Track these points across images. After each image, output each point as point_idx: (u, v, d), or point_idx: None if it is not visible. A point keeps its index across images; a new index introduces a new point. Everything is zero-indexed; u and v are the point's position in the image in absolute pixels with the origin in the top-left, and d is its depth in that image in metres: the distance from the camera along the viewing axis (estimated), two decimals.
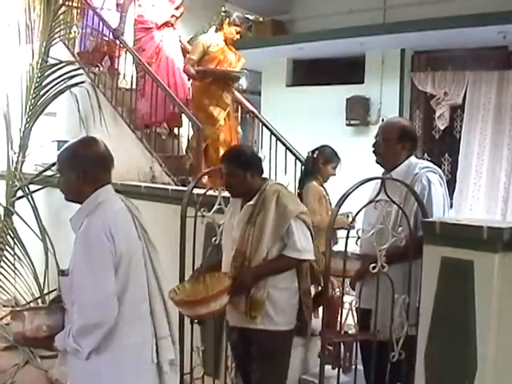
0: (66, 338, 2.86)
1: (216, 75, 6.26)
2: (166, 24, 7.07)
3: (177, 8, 7.23)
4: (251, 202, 3.83)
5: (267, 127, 6.74)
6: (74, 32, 7.41)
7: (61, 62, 6.42)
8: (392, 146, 3.93)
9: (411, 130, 4.16)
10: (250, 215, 3.80)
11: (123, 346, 2.90)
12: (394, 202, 3.41)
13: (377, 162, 4.06)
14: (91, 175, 3.01)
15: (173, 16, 7.15)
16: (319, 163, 5.49)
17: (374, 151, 4.02)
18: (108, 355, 2.88)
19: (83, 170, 2.99)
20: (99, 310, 2.81)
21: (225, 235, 4.03)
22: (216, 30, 6.52)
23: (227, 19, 6.28)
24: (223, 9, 7.96)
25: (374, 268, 3.36)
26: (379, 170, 4.11)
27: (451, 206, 8.93)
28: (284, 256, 3.74)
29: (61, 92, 6.32)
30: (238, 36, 6.48)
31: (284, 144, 6.55)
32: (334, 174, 5.60)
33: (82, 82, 6.43)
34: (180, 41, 7.40)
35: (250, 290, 3.72)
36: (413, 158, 3.98)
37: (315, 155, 5.52)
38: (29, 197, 6.11)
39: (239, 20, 6.39)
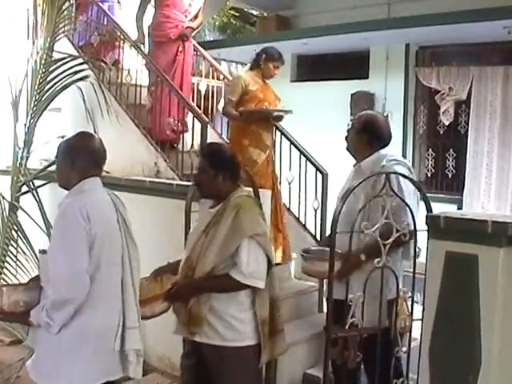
0: (40, 312, 3.00)
1: (261, 115, 5.78)
2: (181, 37, 6.95)
3: (192, 19, 7.10)
4: (212, 210, 3.69)
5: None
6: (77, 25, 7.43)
7: (67, 55, 6.41)
8: (355, 136, 4.17)
9: (375, 123, 4.19)
10: (208, 223, 3.64)
11: (85, 327, 3.03)
12: (398, 196, 3.39)
13: (346, 148, 4.27)
14: (79, 165, 3.27)
15: (188, 28, 7.01)
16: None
17: (345, 137, 4.23)
18: (70, 332, 3.01)
19: (72, 159, 3.27)
20: (71, 285, 2.94)
21: (188, 237, 3.91)
22: (252, 68, 5.99)
23: (264, 55, 5.81)
24: (228, 4, 7.97)
25: (378, 262, 3.34)
26: None
27: (461, 205, 8.99)
28: (227, 276, 3.51)
29: (65, 87, 6.31)
30: (276, 72, 5.94)
31: (289, 139, 6.53)
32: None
33: (87, 77, 6.43)
34: (195, 49, 7.43)
35: (188, 301, 3.59)
36: (383, 151, 4.10)
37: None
38: (34, 192, 6.11)
39: (277, 55, 5.87)
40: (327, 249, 3.79)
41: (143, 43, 6.96)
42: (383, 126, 4.21)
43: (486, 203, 9.17)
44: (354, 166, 4.20)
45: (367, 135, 4.10)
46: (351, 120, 4.34)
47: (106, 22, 7.36)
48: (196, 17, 7.19)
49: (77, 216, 3.04)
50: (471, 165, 9.32)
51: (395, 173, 3.69)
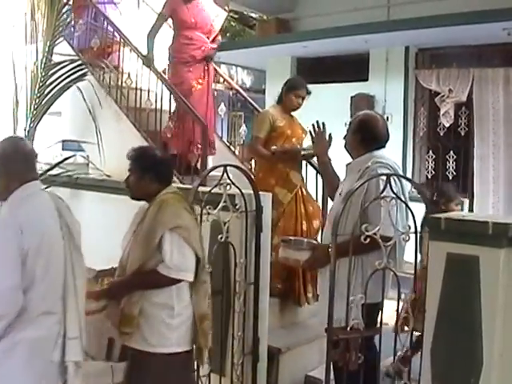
0: None
1: (293, 154, 5.47)
2: (206, 59, 6.80)
3: (213, 40, 6.94)
4: (137, 211, 3.73)
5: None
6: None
7: (68, 59, 6.43)
8: (351, 136, 4.18)
9: (368, 123, 4.19)
10: (137, 224, 3.66)
11: (18, 339, 2.95)
12: (400, 199, 3.40)
13: (345, 146, 4.28)
14: (15, 171, 3.14)
15: (212, 49, 6.84)
16: (441, 204, 5.21)
17: (344, 136, 4.26)
18: (2, 344, 2.94)
19: (5, 166, 3.13)
20: (2, 302, 2.87)
21: (122, 240, 3.89)
22: (278, 102, 5.67)
23: (285, 86, 5.58)
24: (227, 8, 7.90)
25: (380, 264, 3.33)
26: None
27: (471, 207, 9.00)
28: (154, 271, 3.47)
29: (65, 88, 6.32)
30: (300, 102, 5.60)
31: None
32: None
33: (85, 75, 6.44)
34: (215, 69, 7.29)
35: (120, 300, 3.57)
36: (377, 152, 4.07)
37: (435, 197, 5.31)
38: None
39: (298, 84, 5.64)
40: (305, 239, 4.16)
41: (150, 65, 6.70)
42: (378, 127, 4.20)
43: (496, 203, 9.17)
44: (347, 165, 4.21)
45: (361, 135, 4.11)
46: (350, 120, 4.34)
47: (105, 25, 7.33)
48: (216, 35, 7.01)
49: (8, 230, 2.95)
50: (478, 167, 9.30)
51: (393, 174, 3.69)
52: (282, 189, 5.38)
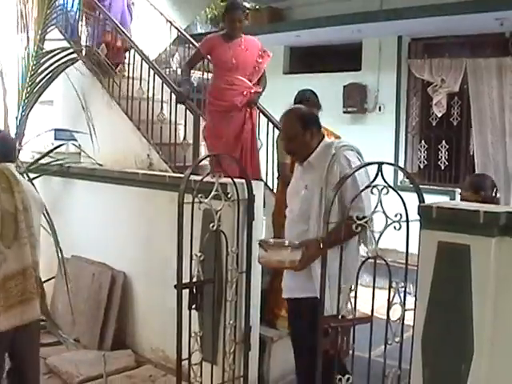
0: None
1: None
2: (249, 105, 5.99)
3: (258, 82, 6.10)
4: None
5: (264, 114, 6.69)
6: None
7: (60, 47, 6.41)
8: (301, 140, 3.94)
9: (309, 113, 4.08)
10: None
11: None
12: (392, 187, 3.40)
13: (294, 159, 4.20)
14: None
15: (256, 93, 6.03)
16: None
17: (288, 152, 4.12)
18: None
19: None
20: None
21: None
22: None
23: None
24: None
25: (371, 251, 3.34)
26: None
27: (453, 197, 9.01)
28: None
29: (56, 74, 6.30)
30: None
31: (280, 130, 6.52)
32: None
33: (77, 60, 6.41)
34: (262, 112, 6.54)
35: None
36: (327, 139, 4.03)
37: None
38: None
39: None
40: (286, 241, 3.89)
41: (184, 101, 6.16)
42: (313, 112, 4.17)
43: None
44: (301, 164, 4.04)
45: (315, 126, 3.97)
46: (282, 131, 4.12)
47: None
48: (260, 78, 6.16)
49: None
50: (479, 156, 9.31)
51: (384, 163, 3.68)
52: None
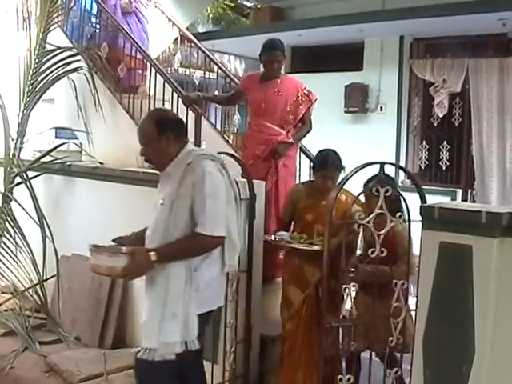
0: None
1: None
2: (272, 155, 5.34)
3: (293, 129, 5.47)
4: None
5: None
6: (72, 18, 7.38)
7: (58, 47, 6.40)
8: (156, 146, 3.56)
9: (168, 117, 3.71)
10: None
11: None
12: (397, 191, 3.40)
13: (151, 167, 3.95)
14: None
15: (281, 143, 5.29)
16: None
17: (144, 159, 3.75)
18: None
19: None
20: None
21: None
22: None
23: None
24: None
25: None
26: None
27: (455, 197, 9.02)
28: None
29: (58, 78, 6.31)
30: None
31: None
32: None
33: (80, 68, 6.41)
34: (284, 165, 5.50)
35: None
36: (189, 146, 3.63)
37: None
38: (27, 183, 6.10)
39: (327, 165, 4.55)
40: (118, 245, 3.73)
41: (189, 106, 5.86)
42: (175, 117, 3.82)
43: (496, 192, 9.19)
44: (160, 174, 3.77)
45: (172, 131, 3.56)
46: (139, 136, 3.66)
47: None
48: (303, 123, 5.57)
49: None
50: (477, 157, 9.29)
51: (386, 163, 3.68)
52: (296, 288, 4.59)
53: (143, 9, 7.49)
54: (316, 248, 4.24)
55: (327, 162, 4.50)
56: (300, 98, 5.48)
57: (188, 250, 3.42)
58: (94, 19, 7.44)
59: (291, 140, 5.37)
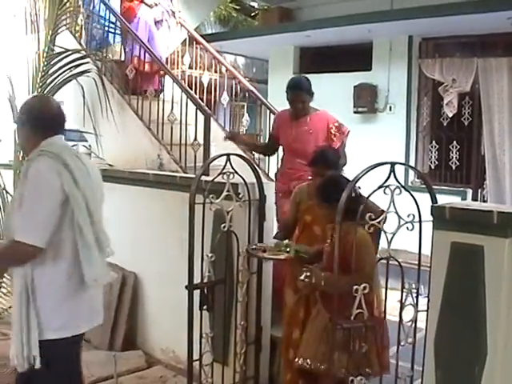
0: None
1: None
2: None
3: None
4: None
5: (275, 114, 6.66)
6: (81, 21, 7.40)
7: (67, 50, 6.42)
8: (21, 133, 3.34)
9: (30, 107, 3.33)
10: None
11: None
12: (404, 188, 3.38)
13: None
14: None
15: None
16: None
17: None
18: None
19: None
20: None
21: None
22: None
23: None
24: None
25: None
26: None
27: (465, 197, 8.98)
28: None
29: (67, 81, 6.32)
30: None
31: None
32: None
33: (89, 71, 6.43)
34: None
35: None
36: (51, 139, 3.22)
37: None
38: None
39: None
40: None
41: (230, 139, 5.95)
42: (43, 109, 3.33)
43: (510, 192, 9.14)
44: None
45: (26, 127, 3.26)
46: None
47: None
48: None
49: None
50: (489, 156, 9.24)
51: (397, 163, 3.66)
52: (289, 289, 4.54)
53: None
54: (282, 257, 4.13)
55: (313, 159, 4.41)
56: (332, 133, 5.28)
57: (6, 258, 3.16)
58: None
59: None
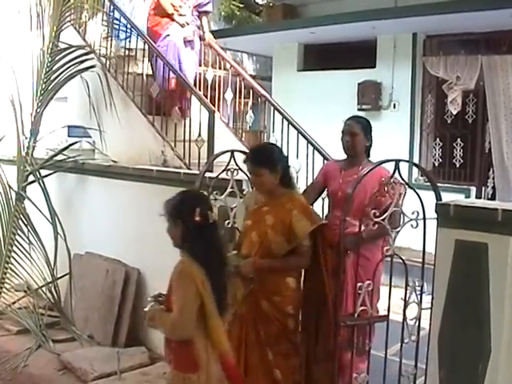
0: None
1: None
2: None
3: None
4: None
5: (279, 111, 6.64)
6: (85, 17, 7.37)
7: (71, 46, 6.42)
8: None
9: None
10: None
11: None
12: (409, 185, 3.38)
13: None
14: None
15: (354, 234, 3.98)
16: None
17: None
18: None
19: None
20: None
21: None
22: None
23: None
24: None
25: None
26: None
27: (468, 195, 8.97)
28: None
29: (71, 77, 6.32)
30: None
31: (296, 128, 6.49)
32: None
33: (93, 67, 6.42)
34: None
35: None
36: None
37: None
38: (40, 181, 6.12)
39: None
40: None
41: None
42: None
43: None
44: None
45: None
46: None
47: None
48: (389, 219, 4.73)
49: None
50: (496, 153, 9.21)
51: (401, 160, 3.66)
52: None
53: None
54: None
55: (247, 157, 4.01)
56: (385, 189, 3.96)
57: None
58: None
59: (363, 235, 3.84)
